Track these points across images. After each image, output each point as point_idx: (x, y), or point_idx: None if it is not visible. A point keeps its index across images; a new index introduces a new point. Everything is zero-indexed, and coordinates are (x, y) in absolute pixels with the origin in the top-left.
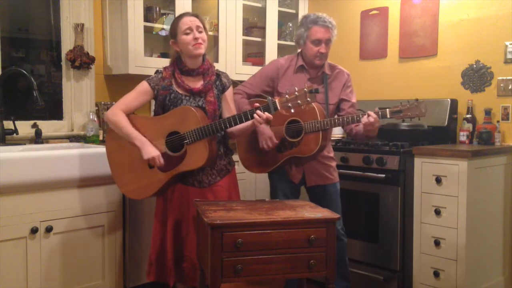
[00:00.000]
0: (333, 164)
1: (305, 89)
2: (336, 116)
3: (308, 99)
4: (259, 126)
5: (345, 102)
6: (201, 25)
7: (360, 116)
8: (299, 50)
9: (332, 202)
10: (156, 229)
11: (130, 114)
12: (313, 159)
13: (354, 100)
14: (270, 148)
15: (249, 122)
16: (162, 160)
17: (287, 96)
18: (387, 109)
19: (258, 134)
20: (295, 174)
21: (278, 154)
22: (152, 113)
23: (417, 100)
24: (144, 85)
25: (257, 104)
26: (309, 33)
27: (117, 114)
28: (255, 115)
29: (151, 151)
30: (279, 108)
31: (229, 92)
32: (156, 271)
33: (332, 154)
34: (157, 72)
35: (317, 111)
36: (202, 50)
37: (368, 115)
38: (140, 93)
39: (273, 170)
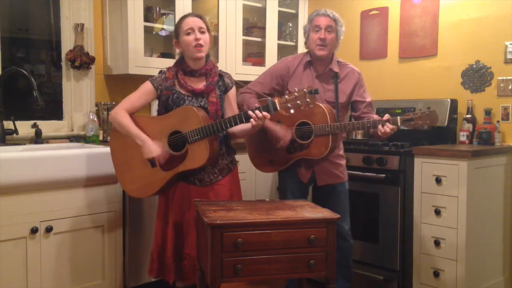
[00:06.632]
0: (343, 162)
1: (304, 90)
2: (351, 121)
3: (308, 99)
4: (270, 126)
5: (360, 103)
6: (204, 25)
7: (371, 123)
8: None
9: (340, 202)
10: (158, 227)
11: (133, 114)
12: (323, 160)
13: (369, 99)
14: (282, 146)
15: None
16: (161, 160)
17: (286, 96)
18: (398, 117)
19: (269, 132)
20: (304, 174)
21: (288, 155)
22: (153, 114)
23: (428, 108)
24: (147, 85)
25: (257, 105)
26: (311, 23)
27: (120, 113)
28: (250, 113)
29: (151, 150)
30: (278, 108)
31: (231, 93)
32: (157, 268)
33: (342, 152)
34: (160, 72)
35: (327, 113)
36: (202, 53)
37: (384, 124)
38: (143, 93)
39: (282, 170)
